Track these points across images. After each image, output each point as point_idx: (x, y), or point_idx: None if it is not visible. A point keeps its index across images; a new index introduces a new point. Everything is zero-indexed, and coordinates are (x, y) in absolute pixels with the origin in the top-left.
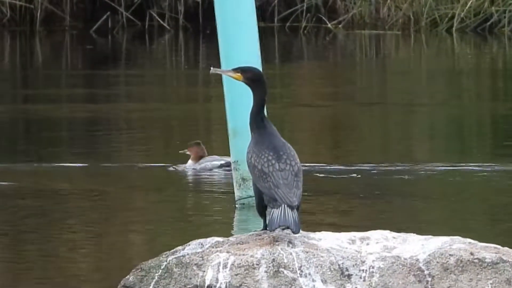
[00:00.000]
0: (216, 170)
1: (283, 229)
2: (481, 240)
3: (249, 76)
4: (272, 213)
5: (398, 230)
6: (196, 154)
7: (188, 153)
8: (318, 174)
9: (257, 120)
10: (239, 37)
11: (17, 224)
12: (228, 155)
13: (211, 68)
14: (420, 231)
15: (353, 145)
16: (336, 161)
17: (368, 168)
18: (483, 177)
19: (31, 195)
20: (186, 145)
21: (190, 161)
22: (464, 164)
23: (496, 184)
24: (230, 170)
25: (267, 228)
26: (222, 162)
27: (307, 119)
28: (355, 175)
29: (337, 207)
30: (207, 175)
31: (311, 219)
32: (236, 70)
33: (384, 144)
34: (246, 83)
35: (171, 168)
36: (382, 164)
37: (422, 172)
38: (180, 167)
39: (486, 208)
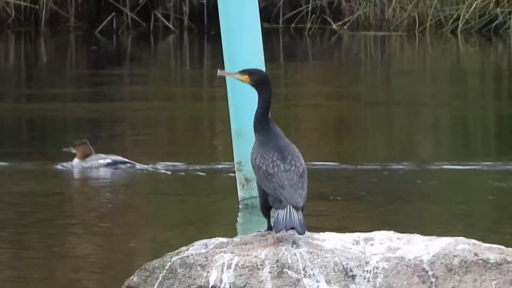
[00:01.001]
0: (102, 168)
1: (288, 229)
2: (485, 241)
3: (256, 78)
4: (278, 215)
5: (402, 230)
6: (83, 153)
7: (73, 151)
8: (322, 174)
9: (262, 122)
10: (242, 38)
11: (20, 225)
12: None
13: (218, 70)
14: (424, 232)
15: (357, 145)
16: (340, 160)
17: (372, 168)
18: (487, 177)
19: (34, 196)
20: (72, 143)
21: (76, 160)
22: (468, 164)
23: (501, 185)
24: (116, 168)
25: (272, 229)
26: (109, 160)
27: (311, 119)
28: (360, 176)
29: (341, 207)
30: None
31: (315, 220)
32: (242, 72)
33: (388, 144)
34: (252, 85)
35: (59, 166)
36: (386, 164)
37: (427, 172)
38: (67, 165)
39: (491, 208)
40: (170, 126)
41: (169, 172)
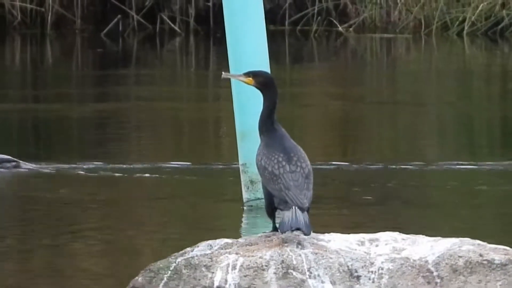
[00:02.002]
0: None
1: (293, 230)
2: (490, 241)
3: (261, 80)
4: (284, 216)
5: (407, 231)
6: None
7: None
8: (326, 175)
9: (267, 124)
10: (247, 40)
11: (24, 227)
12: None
13: (222, 73)
14: (429, 232)
15: (362, 145)
16: (344, 161)
17: (377, 168)
18: (491, 178)
19: (37, 198)
20: None
21: None
22: (473, 165)
23: (505, 185)
24: (9, 168)
25: (278, 231)
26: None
27: (316, 120)
28: (365, 176)
29: (346, 208)
30: None
31: (320, 220)
32: (247, 74)
33: (394, 144)
34: (257, 87)
35: None
36: (391, 164)
37: (432, 173)
38: None
39: (495, 209)
40: (175, 127)
41: (49, 171)
